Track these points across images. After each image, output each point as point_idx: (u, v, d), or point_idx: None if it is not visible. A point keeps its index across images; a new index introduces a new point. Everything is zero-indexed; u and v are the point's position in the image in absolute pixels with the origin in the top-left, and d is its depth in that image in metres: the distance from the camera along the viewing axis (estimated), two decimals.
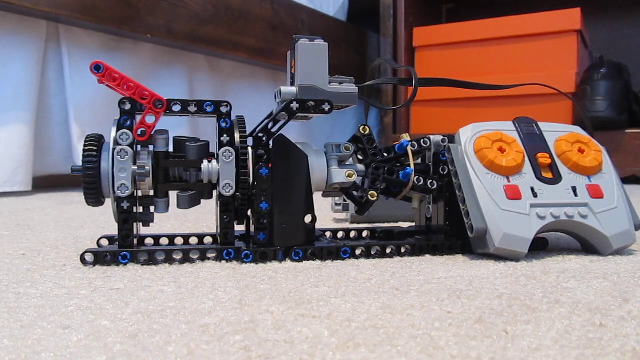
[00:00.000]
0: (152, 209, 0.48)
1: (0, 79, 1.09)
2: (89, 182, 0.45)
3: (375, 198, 0.50)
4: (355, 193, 0.52)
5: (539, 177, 0.51)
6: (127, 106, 0.46)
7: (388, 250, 0.50)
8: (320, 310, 0.33)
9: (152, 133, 0.46)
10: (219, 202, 0.48)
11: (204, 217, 0.80)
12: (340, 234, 0.58)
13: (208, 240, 0.55)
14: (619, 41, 1.83)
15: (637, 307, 0.33)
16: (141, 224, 0.49)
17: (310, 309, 0.33)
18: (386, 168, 0.51)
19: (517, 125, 0.54)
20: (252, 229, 0.49)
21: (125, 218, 0.46)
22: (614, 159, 0.55)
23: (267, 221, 0.47)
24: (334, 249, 0.49)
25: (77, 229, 0.67)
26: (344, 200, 0.78)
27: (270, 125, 0.48)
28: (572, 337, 0.28)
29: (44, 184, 1.25)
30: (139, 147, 0.47)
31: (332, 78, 0.49)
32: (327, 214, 0.85)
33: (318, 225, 0.50)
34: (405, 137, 0.53)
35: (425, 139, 0.53)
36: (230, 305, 0.34)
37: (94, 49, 1.23)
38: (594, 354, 0.26)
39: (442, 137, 0.53)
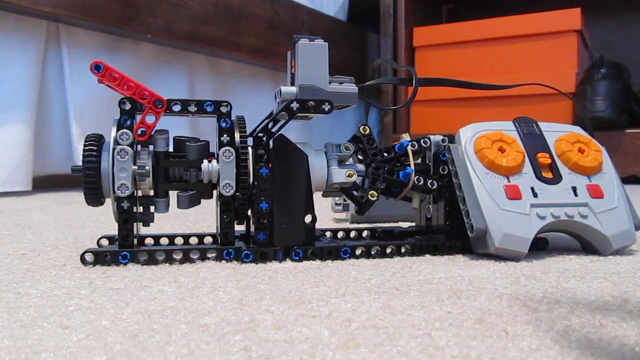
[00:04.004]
0: (152, 208, 0.48)
1: (0, 79, 1.09)
2: (89, 182, 0.45)
3: (375, 198, 0.50)
4: (355, 193, 0.52)
5: (539, 177, 0.51)
6: (127, 106, 0.46)
7: (388, 250, 0.50)
8: (320, 310, 0.33)
9: (152, 133, 0.46)
10: (219, 202, 0.48)
11: (204, 217, 0.80)
12: (340, 234, 0.58)
13: (208, 240, 0.55)
14: (619, 41, 1.83)
15: (637, 307, 0.33)
16: (141, 224, 0.49)
17: (310, 309, 0.33)
18: (386, 168, 0.51)
19: (517, 125, 0.54)
20: (252, 229, 0.49)
21: (125, 218, 0.46)
22: (614, 159, 0.56)
23: (267, 221, 0.47)
24: (334, 249, 0.48)
25: (77, 229, 0.67)
26: (344, 200, 0.78)
27: (270, 125, 0.48)
28: (572, 337, 0.28)
29: (44, 184, 1.25)
30: (139, 147, 0.47)
31: (332, 78, 0.49)
32: (327, 214, 0.85)
33: (318, 225, 0.50)
34: (405, 137, 0.53)
35: (425, 139, 0.53)
36: (230, 305, 0.34)
37: (94, 49, 1.23)
38: (594, 354, 0.26)
39: (442, 137, 0.53)
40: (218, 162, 0.47)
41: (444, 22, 1.99)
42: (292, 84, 0.49)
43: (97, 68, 0.44)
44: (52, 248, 0.54)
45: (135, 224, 0.47)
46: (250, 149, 0.48)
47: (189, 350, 0.26)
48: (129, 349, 0.26)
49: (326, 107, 0.48)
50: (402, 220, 0.75)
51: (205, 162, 0.47)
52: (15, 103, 1.10)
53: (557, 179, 0.51)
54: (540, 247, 0.53)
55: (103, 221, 0.74)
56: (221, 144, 0.47)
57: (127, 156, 0.45)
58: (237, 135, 0.48)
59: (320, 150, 0.51)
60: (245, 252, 0.47)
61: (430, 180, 0.52)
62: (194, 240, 0.55)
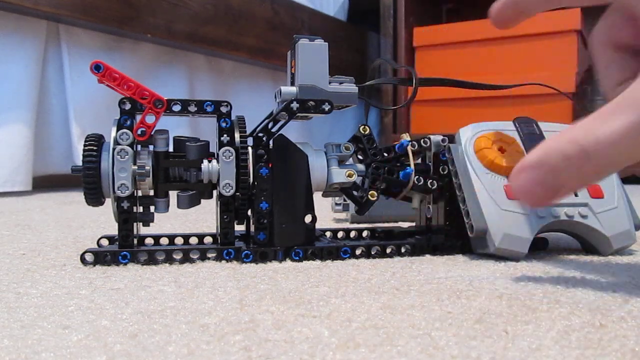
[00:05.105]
0: (152, 208, 0.48)
1: (0, 78, 1.09)
2: (89, 182, 0.45)
3: (375, 198, 0.50)
4: (355, 193, 0.52)
5: None
6: (127, 106, 0.46)
7: (388, 250, 0.50)
8: (320, 310, 0.33)
9: (152, 133, 0.46)
10: (219, 202, 0.48)
11: (204, 217, 0.80)
12: (340, 234, 0.58)
13: (208, 240, 0.55)
14: None
15: (637, 307, 0.33)
16: (141, 224, 0.49)
17: (310, 309, 0.33)
18: (386, 168, 0.51)
19: (517, 125, 0.54)
20: (252, 229, 0.49)
21: (125, 218, 0.46)
22: None
23: (267, 221, 0.47)
24: (334, 249, 0.49)
25: (77, 229, 0.67)
26: (344, 200, 0.78)
27: (270, 125, 0.48)
28: (572, 337, 0.28)
29: (44, 184, 1.25)
30: (139, 147, 0.47)
31: (332, 78, 0.49)
32: (327, 214, 0.85)
33: (318, 225, 0.50)
34: (405, 137, 0.53)
35: (425, 139, 0.53)
36: (230, 305, 0.34)
37: (94, 49, 1.23)
38: (594, 354, 0.26)
39: (442, 137, 0.53)
40: (218, 162, 0.47)
41: (444, 22, 1.99)
42: (292, 84, 0.49)
43: (97, 68, 0.44)
44: (52, 248, 0.54)
45: (135, 224, 0.47)
46: (250, 149, 0.48)
47: (189, 350, 0.26)
48: (129, 349, 0.26)
49: (326, 107, 0.48)
50: (402, 220, 0.75)
51: (205, 162, 0.47)
52: (15, 103, 1.10)
53: None
54: (540, 247, 0.53)
55: (103, 221, 0.74)
56: (221, 144, 0.47)
57: (127, 156, 0.45)
58: (237, 135, 0.48)
59: (320, 150, 0.51)
60: (245, 252, 0.47)
61: (430, 180, 0.52)
62: (194, 240, 0.55)
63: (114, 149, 0.45)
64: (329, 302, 0.34)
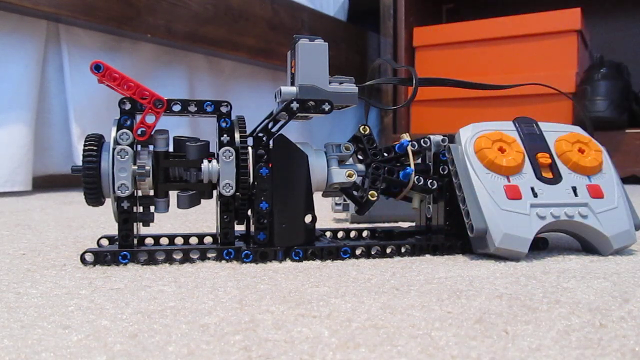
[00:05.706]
0: (152, 208, 0.48)
1: (0, 78, 1.09)
2: (89, 182, 0.45)
3: (375, 198, 0.50)
4: (355, 193, 0.52)
5: (539, 177, 0.51)
6: (127, 106, 0.46)
7: (388, 250, 0.50)
8: (320, 310, 0.33)
9: (152, 133, 0.46)
10: (219, 202, 0.48)
11: (204, 217, 0.80)
12: (340, 234, 0.58)
13: (208, 240, 0.55)
14: (619, 41, 1.83)
15: (637, 307, 0.33)
16: (141, 224, 0.49)
17: (310, 309, 0.33)
18: (386, 168, 0.51)
19: (517, 125, 0.54)
20: (252, 229, 0.49)
21: (125, 218, 0.46)
22: (614, 159, 0.56)
23: (267, 221, 0.47)
24: (334, 249, 0.49)
25: (77, 229, 0.67)
26: (344, 200, 0.78)
27: (270, 125, 0.48)
28: (572, 337, 0.28)
29: (44, 184, 1.25)
30: (139, 146, 0.47)
31: (332, 78, 0.49)
32: (327, 214, 0.85)
33: (318, 225, 0.50)
34: (405, 137, 0.53)
35: (425, 139, 0.53)
36: (230, 305, 0.34)
37: (94, 49, 1.23)
38: (594, 354, 0.26)
39: (442, 137, 0.53)
40: (218, 162, 0.47)
41: (444, 22, 1.99)
42: (292, 84, 0.49)
43: (97, 68, 0.44)
44: (52, 248, 0.54)
45: (135, 224, 0.47)
46: (250, 149, 0.48)
47: (189, 350, 0.26)
48: (129, 349, 0.26)
49: (326, 107, 0.48)
50: (402, 220, 0.75)
51: (205, 162, 0.47)
52: (15, 103, 1.10)
53: (557, 179, 0.51)
54: (540, 247, 0.53)
55: (103, 221, 0.74)
56: (221, 144, 0.47)
57: (127, 156, 0.45)
58: (237, 135, 0.48)
59: (320, 150, 0.51)
60: (245, 252, 0.47)
61: (430, 180, 0.52)
62: (194, 240, 0.55)
63: (114, 149, 0.45)
64: (329, 302, 0.34)
